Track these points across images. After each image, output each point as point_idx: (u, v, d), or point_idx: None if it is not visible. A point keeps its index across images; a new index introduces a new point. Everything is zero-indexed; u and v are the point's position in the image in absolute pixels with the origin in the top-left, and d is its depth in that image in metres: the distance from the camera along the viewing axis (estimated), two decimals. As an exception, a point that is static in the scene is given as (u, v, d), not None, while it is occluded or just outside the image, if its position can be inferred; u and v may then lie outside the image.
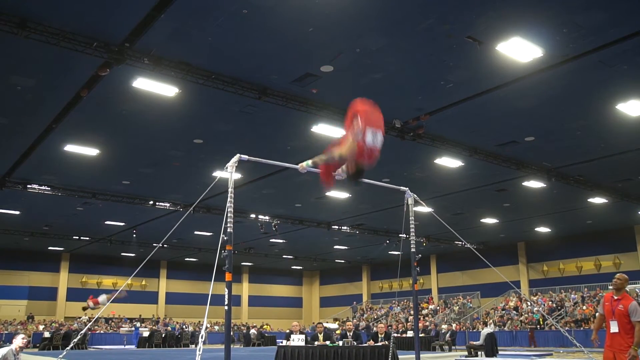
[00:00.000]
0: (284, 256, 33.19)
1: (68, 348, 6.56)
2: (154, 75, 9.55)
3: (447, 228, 9.44)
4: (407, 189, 7.57)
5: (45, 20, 8.16)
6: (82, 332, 16.24)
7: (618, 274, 6.24)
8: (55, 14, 8.07)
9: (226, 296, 4.69)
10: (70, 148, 13.43)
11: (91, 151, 13.68)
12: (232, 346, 9.47)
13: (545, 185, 16.91)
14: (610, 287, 6.29)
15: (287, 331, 13.04)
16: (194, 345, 25.02)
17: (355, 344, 11.21)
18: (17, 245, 27.88)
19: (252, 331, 27.60)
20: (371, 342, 11.77)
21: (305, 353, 11.06)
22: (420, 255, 7.36)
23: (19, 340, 6.94)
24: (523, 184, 16.90)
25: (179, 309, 34.85)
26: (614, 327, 5.94)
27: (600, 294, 23.63)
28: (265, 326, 33.84)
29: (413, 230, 7.48)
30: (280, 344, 12.45)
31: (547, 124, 12.36)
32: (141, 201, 18.86)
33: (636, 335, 5.69)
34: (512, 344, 22.53)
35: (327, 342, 11.41)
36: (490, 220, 23.01)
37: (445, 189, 17.72)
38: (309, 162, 5.06)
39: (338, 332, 14.64)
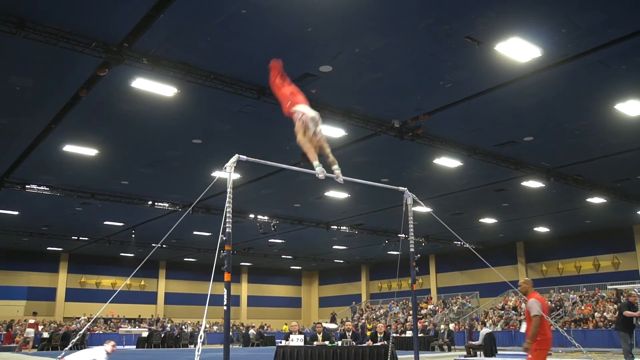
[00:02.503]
0: (283, 256, 33.20)
1: (67, 348, 6.56)
2: (152, 75, 9.54)
3: (446, 228, 9.46)
4: (406, 189, 7.58)
5: (44, 20, 8.15)
6: (81, 332, 16.25)
7: (520, 281, 6.72)
8: (54, 14, 8.06)
9: (225, 296, 4.69)
10: (69, 148, 13.42)
11: (90, 151, 13.67)
12: (231, 346, 9.47)
13: (544, 185, 16.93)
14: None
15: (287, 331, 13.05)
16: (193, 346, 25.02)
17: (354, 344, 11.23)
18: (16, 245, 27.86)
19: (251, 331, 27.62)
20: (370, 342, 11.79)
21: (304, 353, 11.07)
22: (419, 255, 7.37)
23: (108, 347, 7.27)
24: (522, 183, 16.91)
25: (178, 309, 34.84)
26: (523, 328, 6.35)
27: (599, 294, 23.67)
28: (284, 327, 33.47)
29: (412, 230, 7.49)
30: (280, 344, 12.46)
31: (546, 124, 12.37)
32: (140, 201, 18.85)
33: (531, 328, 6.12)
34: (512, 344, 22.55)
35: (326, 342, 11.43)
36: (489, 220, 23.02)
37: (444, 189, 17.73)
38: (316, 163, 5.69)
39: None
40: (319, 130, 5.65)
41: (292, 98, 5.82)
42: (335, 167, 5.85)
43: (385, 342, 11.61)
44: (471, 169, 15.43)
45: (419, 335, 15.57)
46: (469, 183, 17.07)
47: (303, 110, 5.65)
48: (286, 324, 33.91)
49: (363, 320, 29.93)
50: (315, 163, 5.65)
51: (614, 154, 14.33)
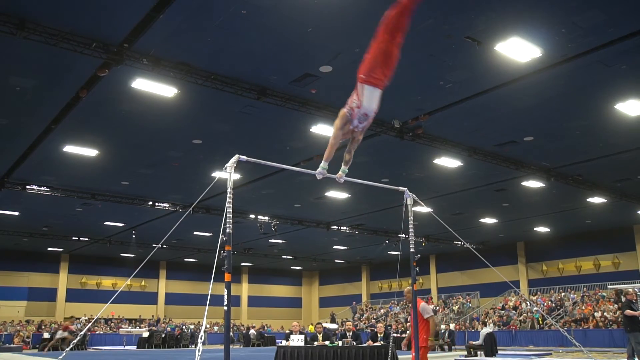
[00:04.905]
0: (284, 256, 33.20)
1: (68, 349, 6.55)
2: (153, 75, 9.55)
3: (447, 228, 9.44)
4: (406, 189, 7.56)
5: (44, 21, 8.16)
6: (82, 332, 16.25)
7: (405, 290, 7.53)
8: (55, 15, 8.06)
9: (225, 297, 4.68)
10: (70, 149, 13.43)
11: (90, 152, 13.68)
12: (231, 346, 9.46)
13: (544, 185, 16.92)
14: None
15: (287, 331, 13.07)
16: (193, 346, 25.03)
17: (354, 344, 11.22)
18: (16, 246, 27.86)
19: (252, 331, 27.62)
20: (370, 342, 11.79)
21: (304, 353, 11.06)
22: (419, 255, 7.35)
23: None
24: (522, 183, 16.91)
25: (179, 310, 34.84)
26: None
27: (599, 294, 23.67)
28: (311, 327, 32.76)
29: (412, 230, 7.48)
30: (280, 344, 12.46)
31: (546, 123, 12.37)
32: (140, 202, 18.85)
33: (431, 328, 6.92)
34: (512, 343, 22.55)
35: (327, 343, 11.42)
36: (489, 220, 23.02)
37: (445, 189, 17.73)
38: (324, 164, 5.19)
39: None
40: (362, 130, 4.93)
41: (373, 71, 4.69)
42: (345, 167, 5.47)
43: (383, 342, 11.62)
44: (471, 169, 15.43)
45: (420, 335, 15.59)
46: (469, 183, 17.06)
47: (364, 99, 4.68)
48: (312, 324, 33.87)
49: (373, 321, 29.85)
50: (324, 164, 5.19)
51: (614, 154, 14.33)
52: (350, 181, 6.38)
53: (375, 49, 4.71)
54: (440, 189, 17.66)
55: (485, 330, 16.59)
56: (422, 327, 7.10)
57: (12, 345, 22.32)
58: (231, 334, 21.65)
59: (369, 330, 24.20)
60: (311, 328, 32.22)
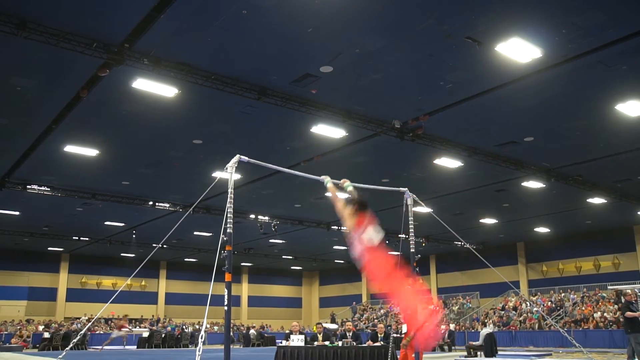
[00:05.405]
0: (284, 256, 33.21)
1: (67, 348, 6.56)
2: (153, 75, 9.56)
3: (447, 228, 9.47)
4: (407, 189, 7.59)
5: (45, 21, 8.17)
6: (82, 332, 16.28)
7: None
8: (55, 15, 8.08)
9: (226, 296, 4.70)
10: (70, 149, 13.44)
11: (91, 152, 13.69)
12: (231, 346, 9.47)
13: (544, 186, 16.93)
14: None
15: (287, 331, 13.08)
16: (193, 346, 25.04)
17: (354, 344, 11.23)
18: (16, 245, 27.88)
19: (252, 331, 27.63)
20: (370, 343, 11.80)
21: (304, 353, 11.06)
22: (419, 256, 7.39)
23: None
24: (522, 184, 16.91)
25: (179, 310, 34.85)
26: (404, 329, 7.56)
27: (599, 294, 23.67)
28: (314, 327, 32.86)
29: (412, 230, 7.50)
30: (280, 344, 12.46)
31: (546, 124, 12.37)
32: (141, 202, 18.86)
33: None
34: (512, 344, 22.55)
35: (327, 343, 11.43)
36: (489, 221, 23.02)
37: (445, 190, 17.73)
38: (328, 180, 5.64)
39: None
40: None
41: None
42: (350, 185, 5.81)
43: (383, 343, 11.63)
44: (471, 170, 15.43)
45: (420, 335, 15.55)
46: (470, 183, 17.06)
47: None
48: (316, 325, 33.83)
49: (375, 321, 29.82)
50: (328, 180, 5.76)
51: (615, 154, 14.33)
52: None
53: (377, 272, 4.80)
54: (440, 189, 17.66)
55: (485, 331, 16.58)
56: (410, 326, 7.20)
57: (12, 345, 22.31)
58: (231, 334, 21.64)
59: (369, 331, 24.22)
60: (315, 328, 32.22)
